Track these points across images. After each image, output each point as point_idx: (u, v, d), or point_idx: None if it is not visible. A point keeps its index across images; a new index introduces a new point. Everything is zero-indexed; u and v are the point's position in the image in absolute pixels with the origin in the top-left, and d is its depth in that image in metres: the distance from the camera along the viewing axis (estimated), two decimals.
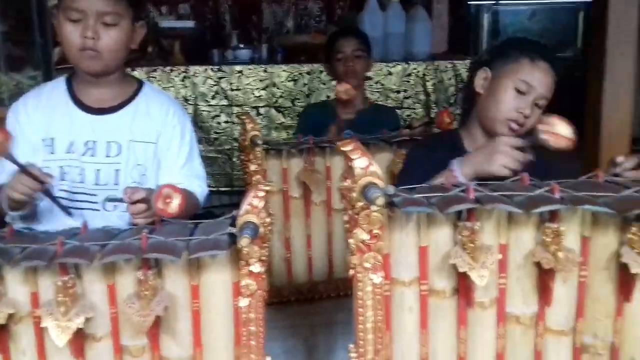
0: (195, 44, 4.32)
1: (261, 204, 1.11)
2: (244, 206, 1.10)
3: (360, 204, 1.06)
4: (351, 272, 1.15)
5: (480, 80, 1.59)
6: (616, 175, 1.34)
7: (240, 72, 3.64)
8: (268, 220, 1.15)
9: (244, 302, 1.17)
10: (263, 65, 3.66)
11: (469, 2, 5.13)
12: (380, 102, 3.46)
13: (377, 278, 1.14)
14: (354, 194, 1.07)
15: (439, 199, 1.11)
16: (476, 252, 1.11)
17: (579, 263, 1.18)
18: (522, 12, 5.39)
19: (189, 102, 3.62)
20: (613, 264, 1.17)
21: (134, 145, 1.53)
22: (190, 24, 4.06)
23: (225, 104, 3.64)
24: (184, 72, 3.60)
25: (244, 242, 1.03)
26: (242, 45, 4.04)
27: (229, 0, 5.26)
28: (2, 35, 2.72)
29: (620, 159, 1.40)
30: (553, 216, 1.12)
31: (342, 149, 1.10)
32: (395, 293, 1.18)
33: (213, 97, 3.64)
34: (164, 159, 1.57)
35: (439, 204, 1.08)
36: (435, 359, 1.21)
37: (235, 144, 3.52)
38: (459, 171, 1.40)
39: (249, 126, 2.00)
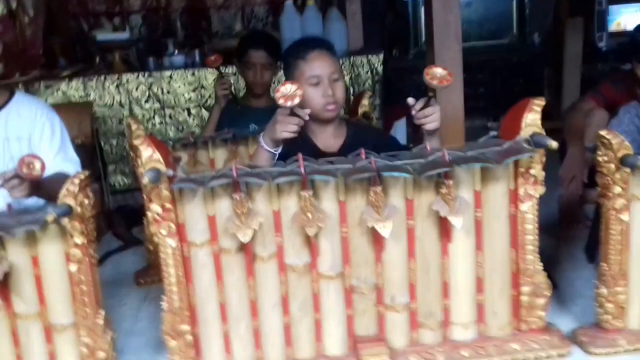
0: (134, 53, 4.64)
1: (76, 189, 1.43)
2: (62, 191, 1.42)
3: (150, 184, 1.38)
4: (156, 239, 1.47)
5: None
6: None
7: (170, 76, 3.94)
8: (87, 201, 1.47)
9: (73, 268, 1.49)
10: (191, 69, 3.96)
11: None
12: None
13: (173, 242, 1.46)
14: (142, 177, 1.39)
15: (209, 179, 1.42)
16: (243, 217, 1.42)
17: (339, 223, 1.50)
18: (460, 3, 5.66)
19: (124, 106, 3.93)
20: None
21: (8, 143, 1.85)
22: (124, 35, 4.36)
23: (157, 107, 3.95)
24: (117, 79, 3.90)
25: (49, 218, 1.35)
26: (176, 52, 4.33)
27: (179, 8, 5.60)
28: None
29: (410, 100, 1.69)
30: (303, 184, 1.44)
31: (134, 143, 1.41)
32: (191, 253, 1.50)
33: (146, 101, 3.94)
34: (39, 151, 1.88)
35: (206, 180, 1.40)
36: (231, 305, 1.53)
37: (169, 142, 3.82)
38: (263, 142, 1.70)
39: (133, 127, 2.30)
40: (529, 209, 1.52)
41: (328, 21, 4.10)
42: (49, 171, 1.81)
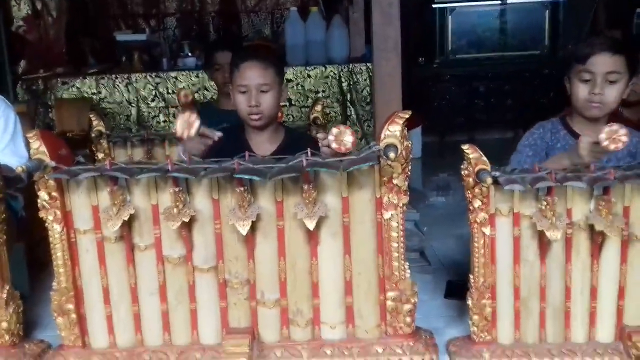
0: (162, 52, 4.91)
1: None
2: None
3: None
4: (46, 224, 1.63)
5: None
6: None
7: (175, 77, 4.16)
8: None
9: None
10: (195, 71, 4.16)
11: (432, 5, 5.44)
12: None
13: (59, 228, 1.61)
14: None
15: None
16: (116, 209, 1.56)
17: (212, 219, 1.60)
18: (490, 12, 5.59)
19: (132, 104, 4.18)
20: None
21: None
22: (143, 36, 4.62)
23: (162, 105, 4.17)
24: (126, 78, 4.16)
25: None
26: (189, 54, 4.55)
27: (212, 12, 5.86)
28: None
29: (320, 135, 1.75)
30: (174, 182, 1.55)
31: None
32: (77, 239, 1.64)
33: (152, 100, 4.18)
34: None
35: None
36: (112, 288, 1.66)
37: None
38: (182, 154, 1.83)
39: (94, 122, 2.50)
40: (393, 217, 1.57)
41: (331, 28, 4.20)
42: None
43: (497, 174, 1.49)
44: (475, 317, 1.60)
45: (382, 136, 1.51)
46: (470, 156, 1.50)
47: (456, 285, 2.13)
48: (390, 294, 1.61)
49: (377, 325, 1.65)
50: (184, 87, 4.15)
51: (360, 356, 1.62)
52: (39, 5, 4.22)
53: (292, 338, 1.66)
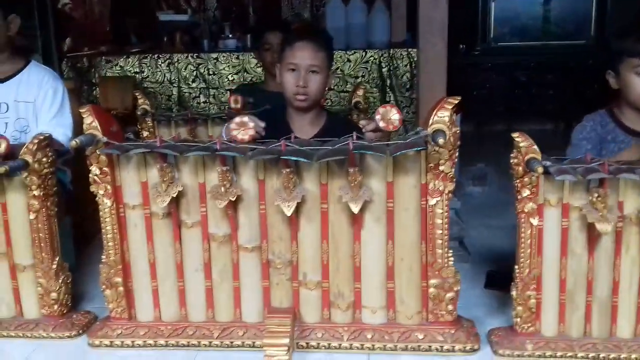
0: (191, 34, 4.94)
1: (35, 147, 1.65)
2: (23, 148, 1.65)
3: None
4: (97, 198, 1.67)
5: None
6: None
7: (216, 59, 4.18)
8: (45, 159, 1.69)
9: (32, 216, 1.72)
10: (236, 53, 4.18)
11: None
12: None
13: (109, 202, 1.65)
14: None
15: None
16: (165, 186, 1.58)
17: (258, 200, 1.62)
18: (534, 0, 5.46)
19: (173, 84, 4.22)
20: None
21: (17, 104, 2.15)
22: (185, 17, 4.65)
23: (203, 86, 4.21)
24: (168, 59, 4.20)
25: (1, 169, 1.58)
26: (230, 36, 4.57)
27: None
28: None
29: (362, 122, 1.77)
30: (222, 160, 1.57)
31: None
32: (126, 214, 1.68)
33: (193, 81, 4.22)
34: (39, 113, 2.17)
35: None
36: (158, 263, 1.70)
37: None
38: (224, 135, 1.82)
39: (140, 100, 2.54)
40: (438, 204, 1.56)
41: (372, 12, 4.16)
42: (42, 131, 2.09)
43: (548, 163, 1.46)
44: (519, 307, 1.59)
45: (431, 121, 1.50)
46: (521, 144, 1.48)
47: (496, 276, 2.11)
48: (432, 281, 1.61)
49: (419, 311, 1.65)
50: (224, 68, 4.19)
51: (401, 341, 1.62)
52: None
53: (332, 320, 1.68)
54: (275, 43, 2.83)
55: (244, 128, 1.57)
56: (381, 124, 1.53)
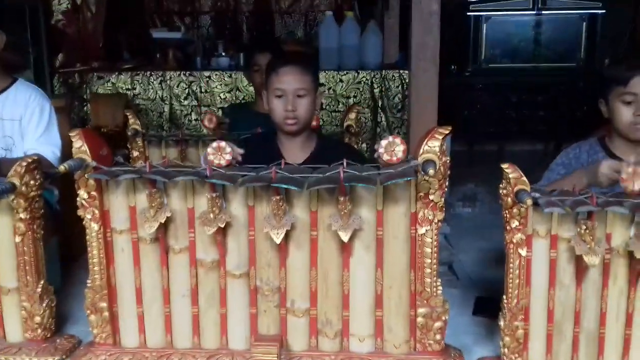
0: (196, 50, 4.95)
1: (23, 170, 1.64)
2: (10, 171, 1.64)
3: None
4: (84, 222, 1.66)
5: None
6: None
7: (208, 77, 4.19)
8: (32, 182, 1.68)
9: (17, 239, 1.70)
10: (228, 71, 4.19)
11: (467, 13, 5.40)
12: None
13: (96, 226, 1.64)
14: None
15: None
16: (153, 211, 1.57)
17: (247, 226, 1.61)
18: (525, 22, 5.52)
19: (165, 102, 4.22)
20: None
21: (3, 122, 2.14)
22: (178, 34, 4.66)
23: (195, 104, 4.21)
24: (161, 76, 4.20)
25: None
26: (223, 54, 4.58)
27: (246, 12, 5.89)
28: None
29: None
30: (211, 187, 1.56)
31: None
32: (113, 238, 1.66)
33: (185, 98, 4.22)
34: (26, 132, 2.15)
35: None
36: (145, 288, 1.68)
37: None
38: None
39: (131, 120, 2.53)
40: (427, 233, 1.56)
41: (365, 33, 4.19)
42: (30, 151, 2.09)
43: (537, 195, 1.47)
44: (507, 338, 1.59)
45: (421, 151, 1.50)
46: (510, 175, 1.48)
47: (485, 302, 2.11)
48: (421, 310, 1.60)
49: (406, 340, 1.64)
50: (216, 86, 4.19)
51: None
52: (78, 0, 4.29)
53: (320, 348, 1.66)
54: (265, 64, 2.84)
55: (221, 153, 1.57)
56: (385, 157, 1.52)
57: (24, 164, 1.66)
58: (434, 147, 1.50)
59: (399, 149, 1.51)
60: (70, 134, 1.61)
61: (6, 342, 1.78)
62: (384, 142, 1.52)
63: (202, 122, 2.66)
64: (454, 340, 1.76)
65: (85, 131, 1.63)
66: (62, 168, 1.51)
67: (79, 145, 1.58)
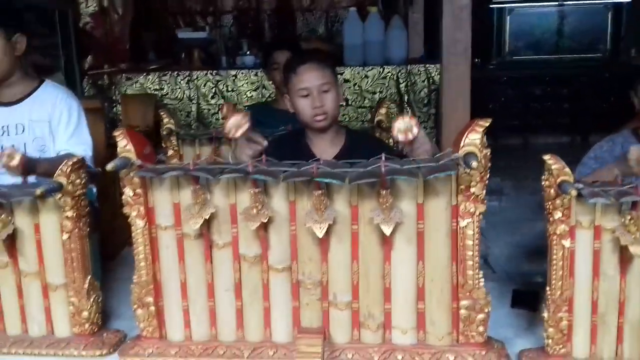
0: (218, 49, 5.00)
1: (68, 169, 1.68)
2: (57, 170, 1.68)
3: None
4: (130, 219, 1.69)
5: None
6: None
7: (235, 76, 4.24)
8: (78, 180, 1.72)
9: (65, 237, 1.75)
10: (254, 70, 4.22)
11: (490, 5, 5.36)
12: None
13: (141, 223, 1.67)
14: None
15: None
16: (198, 207, 1.60)
17: (288, 221, 1.63)
18: (549, 14, 5.46)
19: (193, 101, 4.27)
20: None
21: (33, 124, 2.16)
22: (203, 34, 4.71)
23: (222, 103, 4.25)
24: (188, 76, 4.25)
25: (38, 192, 1.60)
26: (248, 52, 4.62)
27: (267, 11, 5.92)
28: (33, 48, 3.49)
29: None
30: (253, 183, 1.59)
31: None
32: (158, 235, 1.70)
33: (212, 97, 4.27)
34: (56, 132, 2.18)
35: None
36: (190, 284, 1.71)
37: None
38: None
39: (165, 120, 2.57)
40: (468, 225, 1.57)
41: (390, 29, 4.19)
42: (62, 151, 2.12)
43: (581, 186, 1.47)
44: (551, 329, 1.59)
45: (462, 144, 1.51)
46: (553, 167, 1.48)
47: (523, 294, 2.11)
48: (463, 303, 1.61)
49: (449, 332, 1.65)
50: (242, 85, 4.23)
51: None
52: (105, 2, 4.36)
53: (362, 341, 1.68)
54: (283, 62, 2.85)
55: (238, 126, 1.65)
56: (400, 138, 1.56)
57: (70, 163, 1.70)
58: (475, 139, 1.50)
59: (412, 125, 1.56)
60: (114, 134, 1.64)
61: (55, 337, 1.83)
62: (400, 126, 1.56)
63: (220, 111, 2.70)
64: (494, 332, 1.76)
65: (129, 131, 1.67)
66: (109, 166, 1.55)
67: (124, 144, 1.62)
